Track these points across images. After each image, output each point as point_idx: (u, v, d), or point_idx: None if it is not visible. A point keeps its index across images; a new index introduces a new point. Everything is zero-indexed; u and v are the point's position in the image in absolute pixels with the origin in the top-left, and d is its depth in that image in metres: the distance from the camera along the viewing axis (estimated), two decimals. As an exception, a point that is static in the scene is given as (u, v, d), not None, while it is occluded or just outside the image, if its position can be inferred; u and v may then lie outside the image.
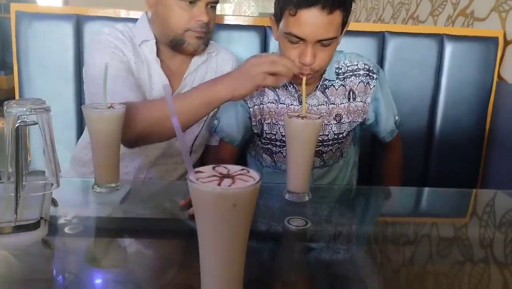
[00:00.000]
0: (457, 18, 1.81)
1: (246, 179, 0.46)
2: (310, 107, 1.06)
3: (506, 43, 1.45)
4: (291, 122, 0.80)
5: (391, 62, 1.45)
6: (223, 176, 0.46)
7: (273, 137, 1.10)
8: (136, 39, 1.10)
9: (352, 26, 1.03)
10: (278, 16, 0.94)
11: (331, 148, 1.09)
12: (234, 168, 0.49)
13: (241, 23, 1.44)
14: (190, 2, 1.03)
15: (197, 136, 1.16)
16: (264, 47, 1.41)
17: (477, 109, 1.50)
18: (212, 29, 1.10)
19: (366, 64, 1.08)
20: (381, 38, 1.45)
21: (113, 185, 0.81)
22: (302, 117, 0.80)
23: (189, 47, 1.07)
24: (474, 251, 0.69)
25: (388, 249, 0.71)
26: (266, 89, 1.08)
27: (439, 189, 1.03)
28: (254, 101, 1.09)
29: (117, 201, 0.80)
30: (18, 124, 0.57)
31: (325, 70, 1.03)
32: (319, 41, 0.89)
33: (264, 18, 1.43)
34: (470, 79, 1.48)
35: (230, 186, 0.44)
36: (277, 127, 1.08)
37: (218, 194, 0.43)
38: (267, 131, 1.09)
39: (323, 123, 1.06)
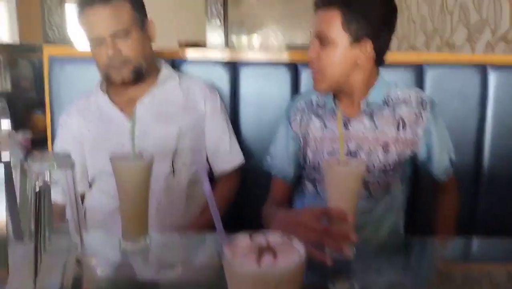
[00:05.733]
0: (497, 44, 1.72)
1: (289, 252, 0.40)
2: (355, 131, 1.02)
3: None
4: (331, 170, 0.73)
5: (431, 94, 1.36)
6: (262, 249, 0.40)
7: (316, 165, 1.07)
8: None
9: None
10: None
11: (376, 178, 1.02)
12: (274, 238, 0.42)
13: (270, 60, 1.40)
14: (96, 43, 1.10)
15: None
16: (296, 86, 1.36)
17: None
18: (132, 56, 1.12)
19: (419, 94, 1.04)
20: (418, 70, 1.37)
21: (141, 239, 0.76)
22: (342, 163, 0.74)
23: (116, 80, 1.13)
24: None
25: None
26: (313, 117, 1.08)
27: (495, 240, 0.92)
28: (302, 131, 1.09)
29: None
30: (38, 187, 0.53)
31: (368, 92, 1.01)
32: (318, 36, 0.96)
33: (295, 52, 1.39)
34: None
35: (272, 263, 0.38)
36: (321, 154, 1.06)
37: (259, 276, 0.37)
38: (311, 158, 1.08)
39: (367, 166, 1.00)
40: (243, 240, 0.42)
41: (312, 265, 0.74)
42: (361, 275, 0.73)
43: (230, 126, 1.28)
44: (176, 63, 1.37)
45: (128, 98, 1.19)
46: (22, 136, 0.68)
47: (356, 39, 0.94)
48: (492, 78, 1.36)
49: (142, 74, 1.16)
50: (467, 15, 2.01)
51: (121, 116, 1.16)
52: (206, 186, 0.40)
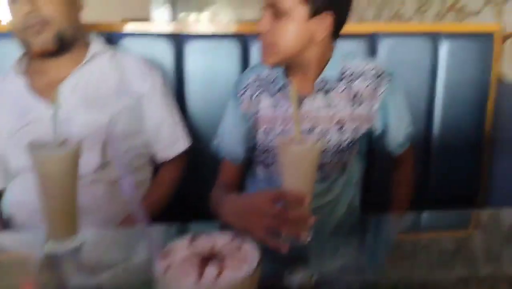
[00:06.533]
0: (446, 14, 1.71)
1: (240, 260, 0.32)
2: (308, 111, 0.94)
3: (505, 37, 1.35)
4: (286, 150, 0.66)
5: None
6: (205, 259, 0.32)
7: (268, 147, 0.99)
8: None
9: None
10: None
11: (331, 158, 0.96)
12: (221, 240, 0.34)
13: (217, 32, 1.30)
14: None
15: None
16: (246, 60, 1.27)
17: (475, 111, 1.39)
18: (54, 16, 0.97)
19: (376, 67, 0.96)
20: (371, 40, 1.33)
21: (70, 239, 0.65)
22: (297, 143, 0.67)
23: (35, 47, 0.98)
24: None
25: None
26: (263, 94, 0.98)
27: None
28: (253, 110, 0.99)
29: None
30: None
31: (324, 68, 0.92)
32: (271, 5, 0.84)
33: (245, 24, 1.30)
34: (467, 78, 1.37)
35: (216, 276, 0.30)
36: (272, 135, 0.97)
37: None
38: (261, 140, 0.99)
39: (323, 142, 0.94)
40: (181, 248, 0.33)
41: (266, 254, 0.68)
42: (318, 260, 0.68)
43: (174, 107, 1.16)
44: (113, 38, 1.23)
45: (49, 79, 1.03)
46: None
47: (315, 12, 0.84)
48: (443, 47, 1.35)
49: (67, 43, 1.00)
50: (416, -15, 1.99)
51: (40, 102, 1.00)
52: (126, 185, 0.30)
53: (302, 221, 0.67)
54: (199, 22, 4.85)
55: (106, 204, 1.02)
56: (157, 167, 1.16)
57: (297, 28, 0.84)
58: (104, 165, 1.01)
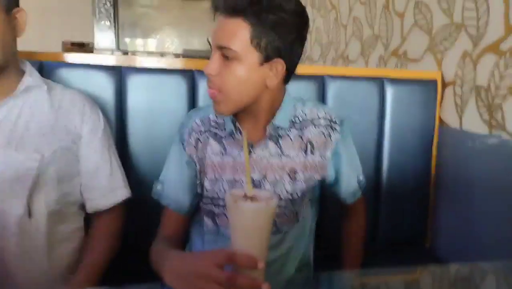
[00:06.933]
0: (389, 58, 1.77)
1: None
2: (259, 158, 0.88)
3: (444, 85, 1.41)
4: (236, 206, 0.59)
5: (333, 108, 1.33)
6: None
7: (215, 196, 0.90)
8: None
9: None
10: None
11: (284, 210, 0.91)
12: None
13: (164, 66, 1.23)
14: None
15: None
16: (193, 96, 1.21)
17: (421, 155, 1.43)
18: None
19: (328, 113, 0.93)
20: (320, 82, 1.33)
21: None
22: (250, 199, 0.61)
23: None
24: None
25: None
26: (211, 139, 0.90)
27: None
28: (199, 155, 0.91)
29: None
30: None
31: (275, 114, 0.87)
32: (220, 48, 0.78)
33: (192, 60, 1.24)
34: (412, 123, 1.41)
35: None
36: (220, 184, 0.89)
37: None
38: (208, 188, 0.90)
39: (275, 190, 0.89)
40: None
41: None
42: None
43: (114, 151, 1.05)
44: (49, 68, 1.13)
45: None
46: None
47: (266, 57, 0.78)
48: (388, 92, 1.38)
49: None
50: (360, 29, 2.06)
51: None
52: None
53: (254, 287, 0.60)
54: (144, 49, 4.76)
55: (35, 261, 0.89)
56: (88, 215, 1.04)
57: (249, 74, 0.78)
58: (29, 214, 0.88)
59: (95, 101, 1.06)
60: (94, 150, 0.99)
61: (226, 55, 0.77)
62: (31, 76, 0.95)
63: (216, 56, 0.79)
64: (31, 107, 0.93)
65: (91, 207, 1.01)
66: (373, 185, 1.40)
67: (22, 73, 0.96)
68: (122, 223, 1.04)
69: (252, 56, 0.77)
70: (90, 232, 1.02)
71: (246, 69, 0.78)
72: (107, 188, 1.01)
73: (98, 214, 1.02)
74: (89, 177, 0.99)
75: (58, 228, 0.95)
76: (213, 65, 0.79)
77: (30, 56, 1.10)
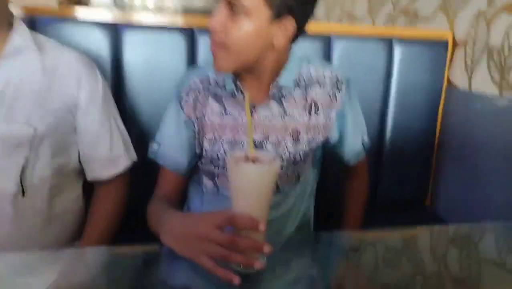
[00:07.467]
0: (398, 17, 1.70)
1: None
2: (261, 119, 0.85)
3: (455, 45, 1.35)
4: (238, 168, 0.57)
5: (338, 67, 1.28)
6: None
7: (215, 156, 0.88)
8: None
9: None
10: None
11: (285, 170, 0.89)
12: None
13: (162, 24, 1.17)
14: None
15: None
16: (192, 55, 1.16)
17: (427, 116, 1.40)
18: None
19: (333, 73, 0.89)
20: (325, 41, 1.27)
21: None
22: (252, 160, 0.58)
23: None
24: None
25: None
26: (210, 99, 0.87)
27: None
28: (197, 114, 0.87)
29: None
30: None
31: (280, 74, 0.83)
32: (229, 1, 0.72)
33: (193, 16, 1.18)
34: (420, 84, 1.37)
35: None
36: (220, 145, 0.87)
37: None
38: (207, 149, 0.88)
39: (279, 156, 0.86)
40: None
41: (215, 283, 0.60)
42: (269, 275, 0.62)
43: (115, 116, 0.97)
44: (42, 24, 1.07)
45: None
46: None
47: (277, 15, 0.73)
48: (397, 51, 1.33)
49: None
50: (368, -15, 1.97)
51: None
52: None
53: (255, 249, 0.59)
54: (143, 7, 4.60)
55: (34, 239, 0.86)
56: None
57: (257, 31, 0.73)
58: (22, 193, 0.83)
59: (93, 62, 0.97)
60: (93, 120, 0.91)
61: (234, 8, 0.72)
62: (20, 36, 0.83)
63: (222, 8, 0.73)
64: (20, 73, 0.83)
65: (91, 176, 0.96)
66: (376, 145, 1.39)
67: (9, 31, 0.84)
68: (126, 189, 1.00)
69: (263, 12, 0.72)
70: (93, 201, 0.97)
71: (254, 25, 0.72)
72: (108, 159, 0.94)
73: (102, 184, 0.97)
74: (88, 148, 0.93)
75: (56, 201, 0.90)
76: (219, 18, 0.73)
77: (23, 11, 1.05)
